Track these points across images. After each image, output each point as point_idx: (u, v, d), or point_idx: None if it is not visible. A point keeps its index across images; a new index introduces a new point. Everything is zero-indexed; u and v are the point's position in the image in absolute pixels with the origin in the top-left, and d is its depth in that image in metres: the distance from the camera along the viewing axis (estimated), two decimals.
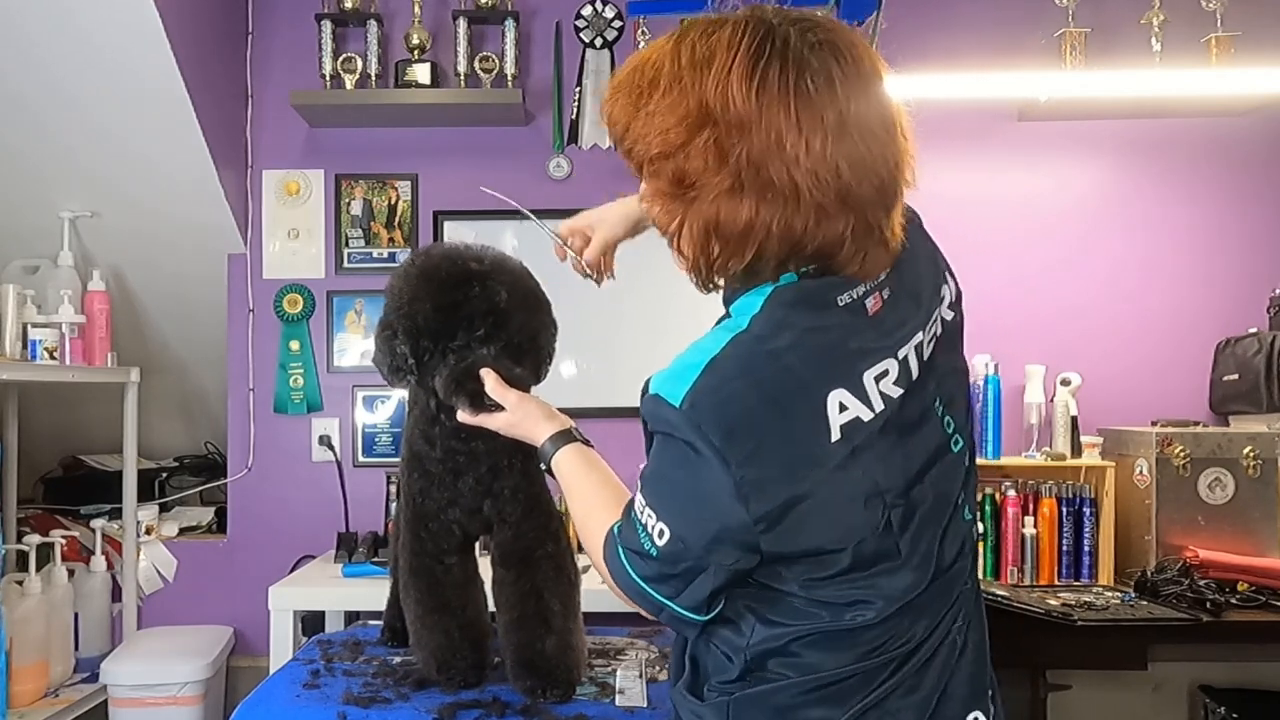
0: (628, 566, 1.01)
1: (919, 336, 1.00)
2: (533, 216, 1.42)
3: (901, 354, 0.97)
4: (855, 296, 0.97)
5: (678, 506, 0.96)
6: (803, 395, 0.93)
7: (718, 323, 1.04)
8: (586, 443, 1.26)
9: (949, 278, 1.10)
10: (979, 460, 2.68)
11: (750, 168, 0.90)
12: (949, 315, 1.07)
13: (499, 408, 1.30)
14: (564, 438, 1.25)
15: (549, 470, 1.26)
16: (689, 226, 0.96)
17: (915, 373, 0.99)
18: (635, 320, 2.82)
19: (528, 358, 1.42)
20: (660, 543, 0.96)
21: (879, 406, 0.95)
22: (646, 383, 1.01)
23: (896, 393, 0.96)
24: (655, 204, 0.99)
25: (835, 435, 0.93)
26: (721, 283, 1.02)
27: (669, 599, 0.99)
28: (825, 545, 0.95)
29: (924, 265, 1.06)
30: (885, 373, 0.96)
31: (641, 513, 0.99)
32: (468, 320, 1.38)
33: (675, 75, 0.93)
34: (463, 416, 1.33)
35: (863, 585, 0.97)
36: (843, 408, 0.93)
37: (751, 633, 1.00)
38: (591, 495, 1.16)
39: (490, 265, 1.42)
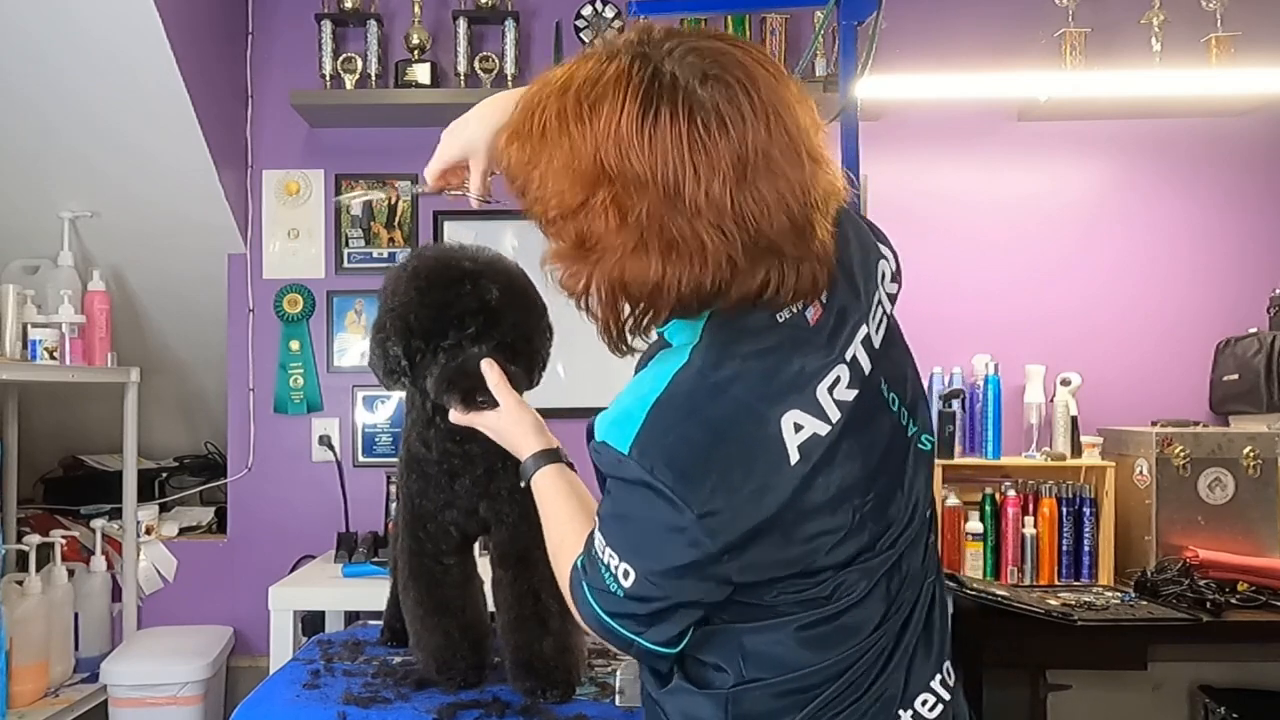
0: (594, 603, 0.98)
1: (864, 329, 0.97)
2: (409, 186, 1.40)
3: (850, 355, 0.95)
4: (796, 310, 0.94)
5: (640, 547, 0.93)
6: (755, 425, 0.91)
7: (650, 349, 1.01)
8: (570, 465, 1.22)
9: (884, 250, 1.06)
10: (980, 461, 2.69)
11: (651, 225, 0.86)
12: (893, 289, 1.04)
13: (490, 406, 1.28)
14: (548, 457, 1.21)
15: (527, 486, 1.21)
16: (596, 288, 0.92)
17: (867, 368, 0.97)
18: None
19: (521, 359, 1.41)
20: (626, 584, 0.94)
21: (835, 416, 0.93)
22: (591, 425, 0.98)
23: (851, 395, 0.94)
24: (558, 265, 0.93)
25: (794, 457, 0.91)
26: (637, 344, 0.98)
27: (638, 635, 0.97)
28: (799, 563, 0.94)
29: (854, 247, 1.01)
30: (837, 380, 0.94)
31: (603, 552, 0.96)
32: (458, 318, 1.37)
33: (563, 127, 0.88)
34: (454, 416, 1.32)
35: (844, 576, 0.96)
36: (798, 427, 0.91)
37: (741, 649, 0.98)
38: (567, 522, 1.12)
39: (483, 265, 1.41)
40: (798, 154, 0.88)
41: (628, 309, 0.93)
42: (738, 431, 0.91)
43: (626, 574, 0.94)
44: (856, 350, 0.96)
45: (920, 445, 1.04)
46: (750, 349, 0.93)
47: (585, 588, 0.99)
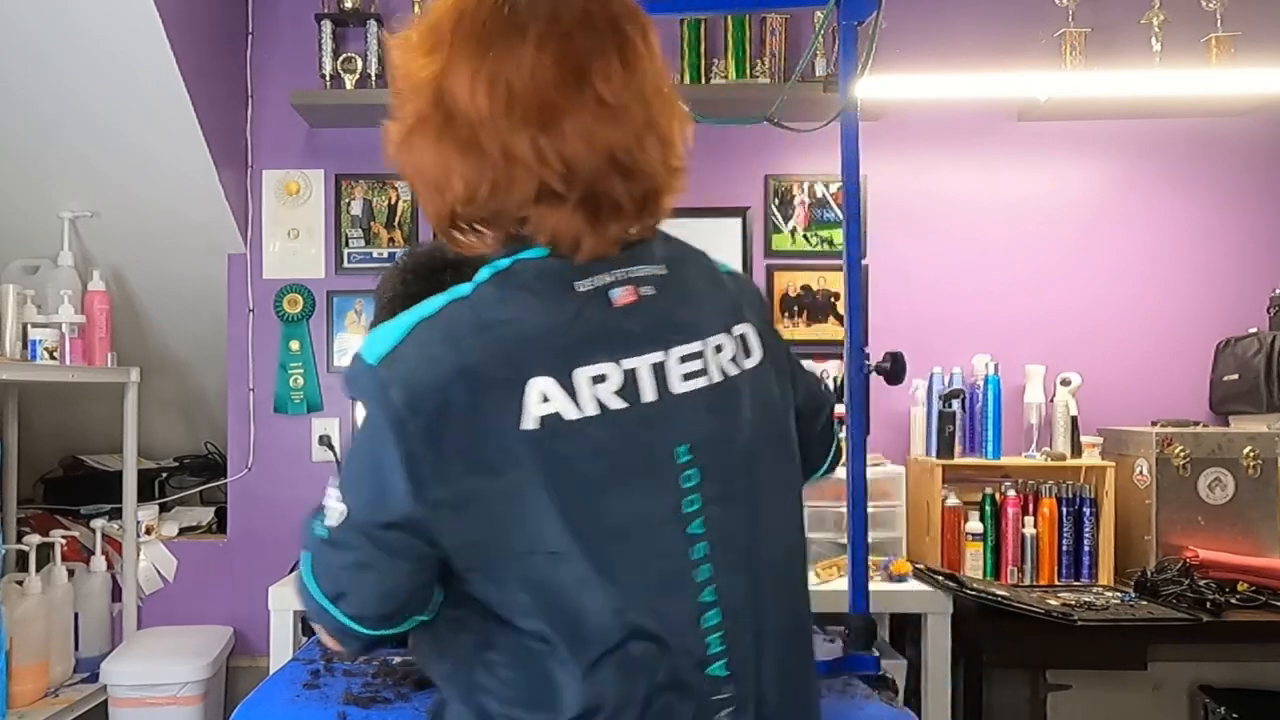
0: (303, 565, 0.93)
1: (659, 357, 0.90)
2: None
3: (628, 365, 0.88)
4: (599, 285, 0.90)
5: (358, 483, 0.89)
6: (504, 373, 0.86)
7: None
8: None
9: (754, 342, 0.97)
10: (980, 461, 2.69)
11: (440, 109, 0.90)
12: (732, 371, 0.94)
13: None
14: None
15: None
16: (406, 171, 0.96)
17: (648, 396, 0.89)
18: None
19: None
20: (331, 523, 0.89)
21: (590, 411, 0.86)
22: None
23: (617, 404, 0.87)
24: (394, 147, 0.97)
25: (530, 424, 0.85)
26: (467, 240, 0.97)
27: (331, 602, 0.91)
28: (507, 553, 0.87)
29: (709, 308, 0.95)
30: (603, 377, 0.87)
31: (329, 493, 0.91)
32: None
33: (432, 18, 0.94)
34: None
35: (550, 627, 0.87)
36: (545, 398, 0.85)
37: (475, 680, 0.92)
38: None
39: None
40: (581, 83, 0.88)
41: (427, 197, 0.95)
42: (484, 374, 0.86)
43: (340, 515, 0.89)
44: (640, 368, 0.89)
45: (693, 551, 0.90)
46: (532, 302, 0.89)
47: (305, 553, 0.93)
